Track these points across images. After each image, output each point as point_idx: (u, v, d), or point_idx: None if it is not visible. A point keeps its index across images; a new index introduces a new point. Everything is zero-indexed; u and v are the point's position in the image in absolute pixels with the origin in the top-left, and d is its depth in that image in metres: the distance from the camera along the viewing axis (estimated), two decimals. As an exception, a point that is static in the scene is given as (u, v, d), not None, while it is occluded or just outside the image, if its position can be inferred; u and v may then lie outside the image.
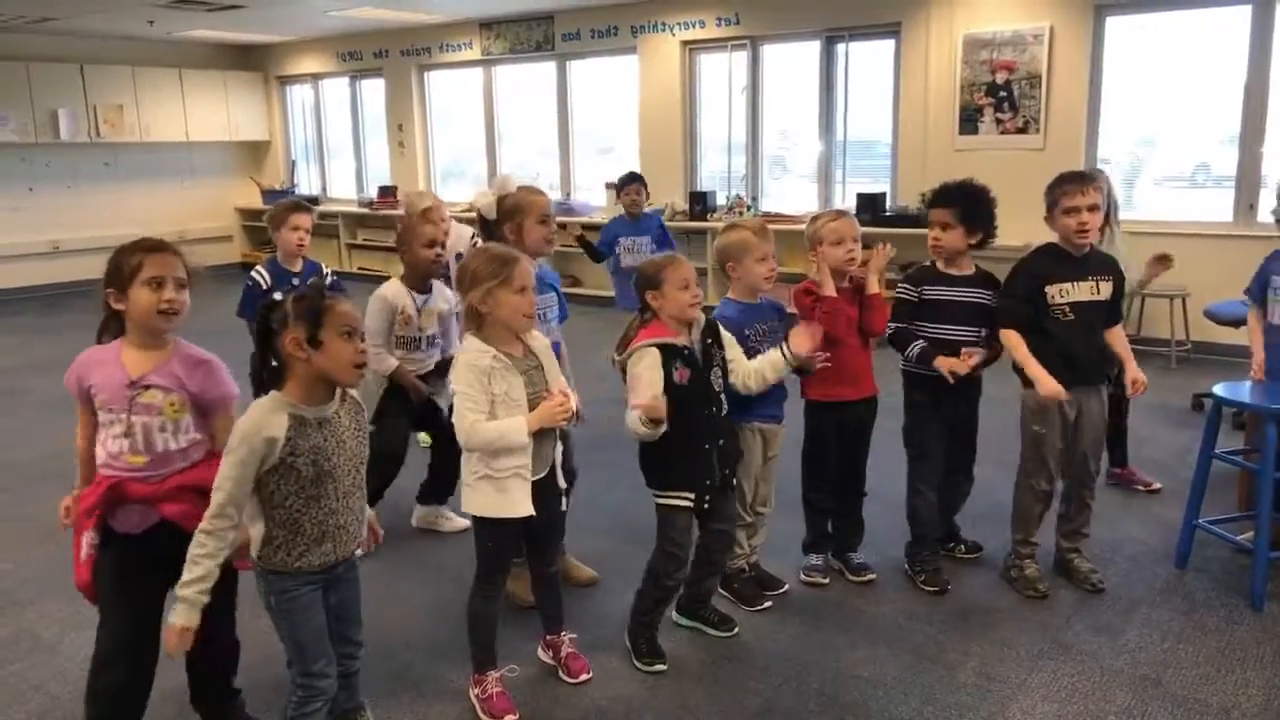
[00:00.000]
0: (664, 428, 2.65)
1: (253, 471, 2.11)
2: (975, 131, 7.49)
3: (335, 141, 12.37)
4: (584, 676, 2.84)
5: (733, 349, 2.97)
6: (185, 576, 2.10)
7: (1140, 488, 4.27)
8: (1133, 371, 3.25)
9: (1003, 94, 7.34)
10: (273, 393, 2.17)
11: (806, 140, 8.70)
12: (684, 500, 2.83)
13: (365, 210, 11.32)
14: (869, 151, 8.53)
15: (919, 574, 3.40)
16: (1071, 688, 2.78)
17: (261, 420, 2.12)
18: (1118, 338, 3.34)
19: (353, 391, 2.30)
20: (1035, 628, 3.11)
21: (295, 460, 2.13)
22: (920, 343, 3.27)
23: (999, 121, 7.39)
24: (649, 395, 2.67)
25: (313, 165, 12.59)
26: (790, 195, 8.92)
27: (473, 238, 4.59)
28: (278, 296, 2.28)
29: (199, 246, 11.85)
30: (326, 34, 11.25)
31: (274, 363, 2.19)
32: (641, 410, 2.64)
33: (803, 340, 2.93)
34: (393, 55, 11.05)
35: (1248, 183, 6.60)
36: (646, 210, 6.08)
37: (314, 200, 11.71)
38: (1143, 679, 2.81)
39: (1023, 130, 7.29)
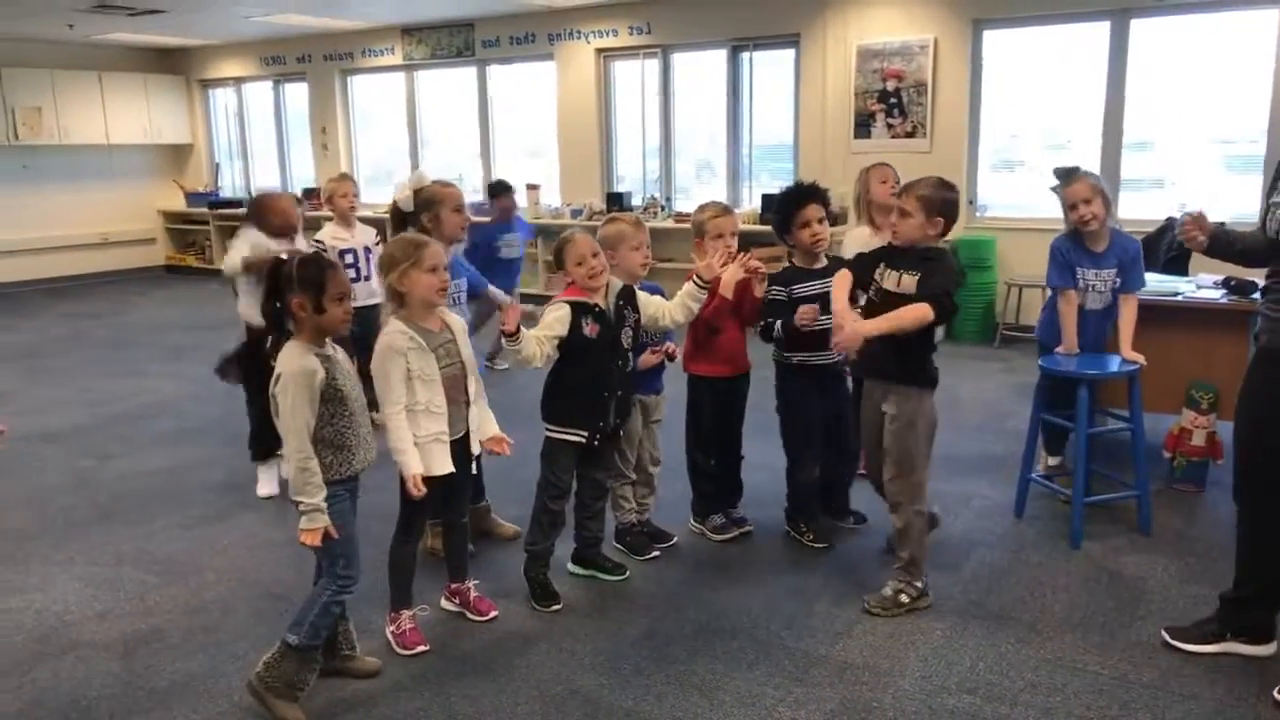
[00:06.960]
0: (521, 342, 3.06)
1: (312, 402, 2.54)
2: (869, 135, 8.04)
3: (259, 144, 12.50)
4: (492, 614, 3.23)
5: (649, 304, 3.39)
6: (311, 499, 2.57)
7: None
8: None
9: (893, 100, 7.90)
10: (291, 342, 2.61)
11: (717, 144, 9.18)
12: (576, 436, 3.25)
13: (290, 212, 11.45)
14: (774, 154, 9.04)
15: (805, 532, 3.79)
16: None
17: (300, 360, 2.57)
18: None
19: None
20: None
21: (335, 383, 2.60)
22: (776, 323, 3.57)
23: (890, 126, 7.95)
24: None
25: (236, 168, 12.70)
26: (703, 196, 9.33)
27: (377, 238, 5.19)
28: (283, 255, 2.73)
29: (122, 249, 11.98)
30: (248, 38, 11.39)
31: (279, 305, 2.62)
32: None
33: (705, 269, 3.35)
34: (315, 60, 11.25)
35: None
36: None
37: (238, 203, 11.85)
38: (969, 603, 3.29)
39: (911, 134, 7.85)
